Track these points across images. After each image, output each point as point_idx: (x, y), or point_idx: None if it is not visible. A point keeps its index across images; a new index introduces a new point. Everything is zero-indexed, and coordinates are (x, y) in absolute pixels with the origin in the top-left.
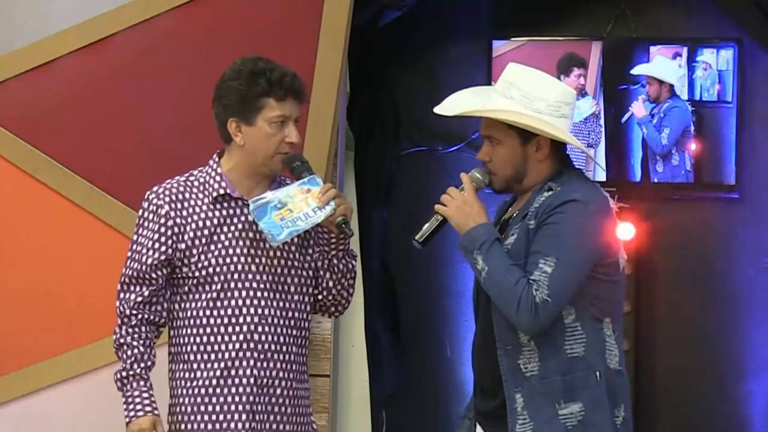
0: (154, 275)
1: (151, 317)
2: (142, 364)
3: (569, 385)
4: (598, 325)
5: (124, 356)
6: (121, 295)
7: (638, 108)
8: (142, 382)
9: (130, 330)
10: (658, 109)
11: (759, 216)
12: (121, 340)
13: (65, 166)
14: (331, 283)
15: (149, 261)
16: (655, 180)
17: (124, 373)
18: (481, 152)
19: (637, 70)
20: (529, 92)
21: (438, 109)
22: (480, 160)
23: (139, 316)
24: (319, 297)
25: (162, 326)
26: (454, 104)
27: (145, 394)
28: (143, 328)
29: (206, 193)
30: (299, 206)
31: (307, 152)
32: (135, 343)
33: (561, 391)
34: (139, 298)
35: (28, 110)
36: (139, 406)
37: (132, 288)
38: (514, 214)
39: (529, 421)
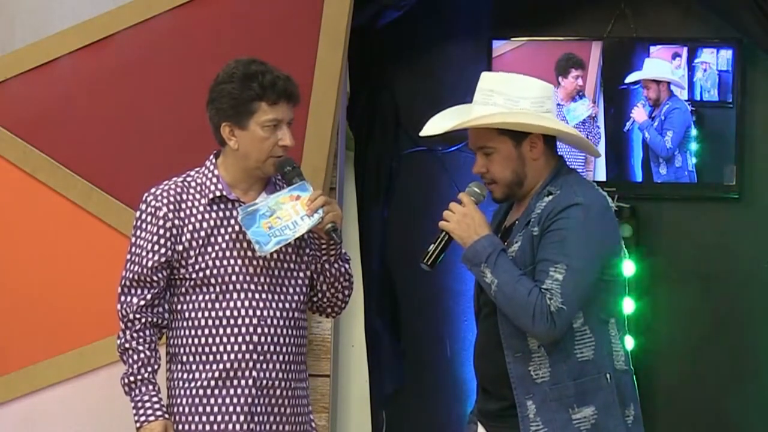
0: (155, 277)
1: (154, 320)
2: (149, 368)
3: (581, 390)
4: (605, 326)
5: (130, 361)
6: (123, 299)
7: (639, 113)
8: (150, 387)
9: (134, 334)
10: (658, 111)
11: (759, 216)
12: (126, 345)
13: (65, 166)
14: (324, 287)
15: (149, 263)
16: (659, 181)
17: (131, 378)
18: (476, 166)
19: (630, 78)
20: (511, 94)
21: (423, 132)
22: (476, 174)
23: (143, 320)
24: (314, 299)
25: (164, 328)
26: (438, 124)
27: (155, 398)
28: (147, 332)
29: (203, 194)
30: (288, 214)
31: (307, 152)
32: (140, 348)
33: (573, 395)
34: (142, 302)
35: (28, 110)
36: (149, 411)
37: (133, 291)
38: (516, 221)
39: (543, 427)
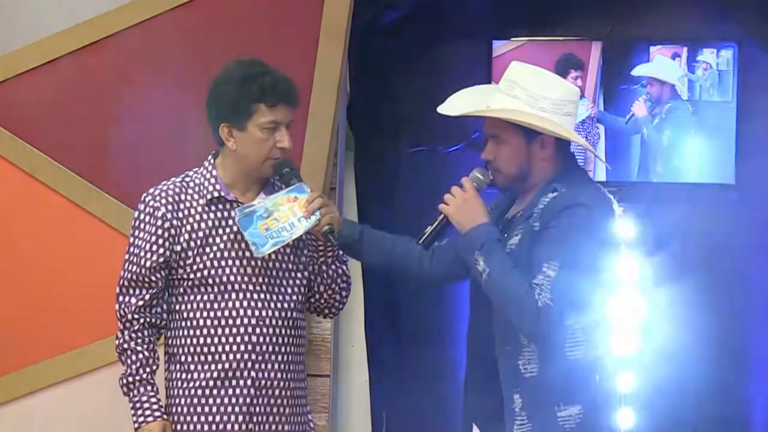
0: (153, 278)
1: (153, 320)
2: (148, 369)
3: (569, 388)
4: (598, 327)
5: (129, 361)
6: (121, 299)
7: (639, 108)
8: (149, 387)
9: (133, 335)
10: (659, 109)
11: (759, 216)
12: (125, 345)
13: (65, 166)
14: (322, 288)
15: (148, 264)
16: (655, 180)
17: (130, 378)
18: (485, 151)
19: (637, 71)
20: (533, 91)
21: (441, 109)
22: (484, 159)
23: (141, 320)
24: (312, 300)
25: (163, 328)
26: (458, 104)
27: (153, 399)
28: (146, 332)
29: (201, 194)
30: (285, 215)
31: (306, 152)
32: (139, 348)
33: (560, 393)
34: (140, 302)
35: (28, 110)
36: (148, 412)
37: (132, 291)
38: (518, 214)
39: (527, 422)
